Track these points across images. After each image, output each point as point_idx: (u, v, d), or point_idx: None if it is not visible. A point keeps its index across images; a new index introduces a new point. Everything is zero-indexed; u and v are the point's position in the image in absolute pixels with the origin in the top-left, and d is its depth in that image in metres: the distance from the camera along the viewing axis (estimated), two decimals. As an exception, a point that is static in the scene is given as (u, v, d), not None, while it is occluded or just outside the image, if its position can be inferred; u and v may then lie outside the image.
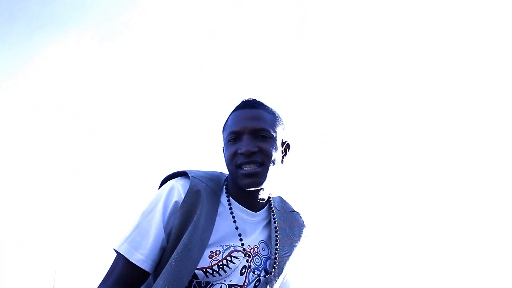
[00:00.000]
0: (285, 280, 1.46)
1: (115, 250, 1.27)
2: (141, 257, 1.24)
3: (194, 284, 1.28)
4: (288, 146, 1.40)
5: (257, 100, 1.36)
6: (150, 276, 1.32)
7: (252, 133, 1.29)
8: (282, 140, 1.37)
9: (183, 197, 1.28)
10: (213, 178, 1.37)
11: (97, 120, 4.30)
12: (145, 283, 1.33)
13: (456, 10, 4.03)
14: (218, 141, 1.43)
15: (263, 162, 1.28)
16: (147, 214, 1.28)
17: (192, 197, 1.28)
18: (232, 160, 1.29)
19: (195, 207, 1.27)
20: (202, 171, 1.38)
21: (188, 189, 1.28)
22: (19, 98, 4.27)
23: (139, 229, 1.27)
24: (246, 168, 1.27)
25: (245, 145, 1.27)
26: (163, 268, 1.25)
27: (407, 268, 3.97)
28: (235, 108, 1.37)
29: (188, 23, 4.25)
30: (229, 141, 1.31)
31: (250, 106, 1.33)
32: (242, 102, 1.36)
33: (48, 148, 4.26)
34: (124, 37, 4.36)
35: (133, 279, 1.25)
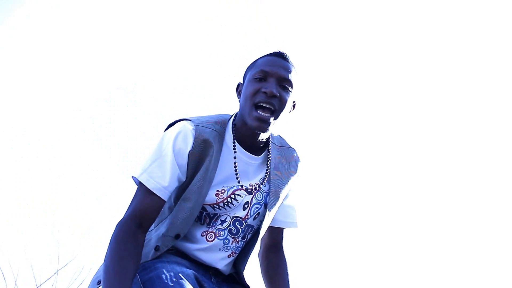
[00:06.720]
0: (281, 206, 1.63)
1: (134, 178, 1.41)
2: (159, 186, 1.37)
3: (204, 215, 1.47)
4: (294, 105, 1.55)
5: (289, 56, 1.49)
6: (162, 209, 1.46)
7: (278, 80, 1.42)
8: (294, 98, 1.51)
9: (191, 145, 1.40)
10: (217, 121, 1.49)
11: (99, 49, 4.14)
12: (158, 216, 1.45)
13: (456, 10, 4.03)
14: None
15: (277, 109, 1.41)
16: (161, 151, 1.40)
17: (199, 145, 1.41)
18: (252, 96, 1.41)
19: (205, 154, 1.42)
20: (206, 116, 1.50)
21: (194, 138, 1.40)
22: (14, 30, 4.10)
23: (157, 163, 1.39)
24: (261, 113, 1.39)
25: (270, 87, 1.39)
26: (176, 202, 1.44)
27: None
28: (268, 54, 1.49)
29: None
30: (255, 78, 1.43)
31: (283, 58, 1.46)
32: (277, 52, 1.48)
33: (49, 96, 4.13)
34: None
35: (150, 209, 1.37)
